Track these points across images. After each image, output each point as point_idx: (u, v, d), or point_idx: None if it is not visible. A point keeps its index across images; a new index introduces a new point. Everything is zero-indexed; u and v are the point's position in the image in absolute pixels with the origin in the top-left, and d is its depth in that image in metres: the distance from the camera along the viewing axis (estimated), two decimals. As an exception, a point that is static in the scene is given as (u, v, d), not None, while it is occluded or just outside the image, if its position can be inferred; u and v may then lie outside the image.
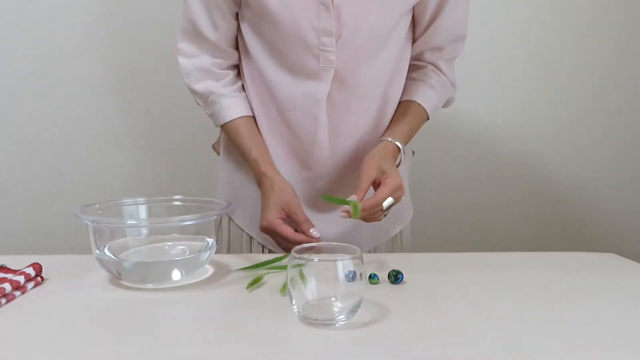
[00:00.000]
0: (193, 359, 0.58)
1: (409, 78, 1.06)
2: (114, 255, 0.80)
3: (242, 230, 1.10)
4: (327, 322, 0.65)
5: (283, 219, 0.95)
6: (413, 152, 1.18)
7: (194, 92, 1.04)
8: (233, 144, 1.04)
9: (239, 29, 1.02)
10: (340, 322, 0.65)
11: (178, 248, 0.86)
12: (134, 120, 1.64)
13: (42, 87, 1.61)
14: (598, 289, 0.81)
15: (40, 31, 1.58)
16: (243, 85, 1.05)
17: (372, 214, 0.90)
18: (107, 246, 0.81)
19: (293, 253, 0.65)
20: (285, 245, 0.94)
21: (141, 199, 0.92)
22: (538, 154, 1.71)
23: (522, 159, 1.71)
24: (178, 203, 0.94)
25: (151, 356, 0.58)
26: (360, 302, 0.66)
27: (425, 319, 0.68)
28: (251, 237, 1.09)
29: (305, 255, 0.65)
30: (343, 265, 0.64)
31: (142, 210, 0.91)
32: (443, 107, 1.12)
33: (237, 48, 1.04)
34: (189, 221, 0.79)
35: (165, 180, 1.65)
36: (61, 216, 1.63)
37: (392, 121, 1.05)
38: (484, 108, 1.68)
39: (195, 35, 1.00)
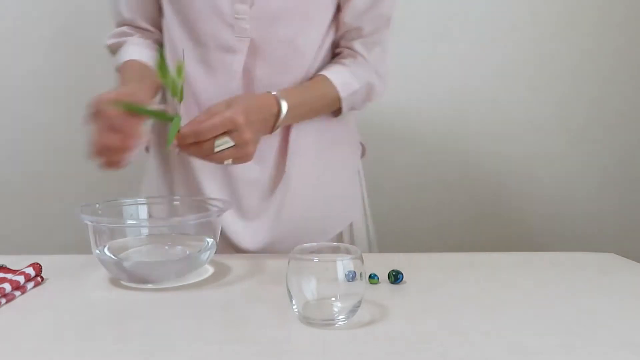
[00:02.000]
0: (193, 359, 0.58)
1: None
2: (114, 255, 0.80)
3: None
4: (327, 322, 0.65)
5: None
6: (363, 147, 1.13)
7: (109, 46, 1.06)
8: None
9: (162, 12, 1.01)
10: (340, 322, 0.65)
11: (178, 248, 0.86)
12: (134, 120, 1.63)
13: (42, 87, 1.61)
14: (598, 289, 0.81)
15: (40, 31, 1.58)
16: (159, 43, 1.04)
17: (199, 147, 0.80)
18: (107, 246, 0.81)
19: (294, 253, 0.65)
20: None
21: (141, 199, 0.92)
22: (538, 153, 1.71)
23: (523, 158, 1.71)
24: (178, 203, 0.94)
25: (151, 356, 0.58)
26: (360, 302, 0.66)
27: (425, 319, 0.68)
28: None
29: (305, 255, 0.65)
30: (343, 265, 0.63)
31: (142, 210, 0.91)
32: (369, 100, 1.04)
33: (159, 29, 1.04)
34: (189, 221, 0.79)
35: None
36: (61, 216, 1.63)
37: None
38: (484, 109, 1.68)
39: (117, 15, 1.04)
